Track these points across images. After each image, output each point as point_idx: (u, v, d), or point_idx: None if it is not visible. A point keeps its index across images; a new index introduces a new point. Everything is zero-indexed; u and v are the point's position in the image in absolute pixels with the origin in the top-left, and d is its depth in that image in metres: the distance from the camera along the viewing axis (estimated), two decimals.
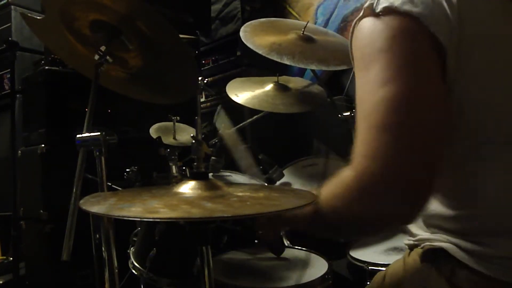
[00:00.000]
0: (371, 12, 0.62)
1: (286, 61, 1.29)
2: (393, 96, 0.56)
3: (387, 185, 0.55)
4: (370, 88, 0.59)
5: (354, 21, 0.66)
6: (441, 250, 0.64)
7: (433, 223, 0.68)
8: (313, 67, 1.40)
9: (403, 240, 1.29)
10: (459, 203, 0.63)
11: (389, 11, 0.59)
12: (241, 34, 1.39)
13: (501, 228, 0.60)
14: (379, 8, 0.60)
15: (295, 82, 1.69)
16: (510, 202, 0.60)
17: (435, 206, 0.66)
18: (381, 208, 0.56)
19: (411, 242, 0.74)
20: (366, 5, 0.63)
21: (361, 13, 0.64)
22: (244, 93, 1.57)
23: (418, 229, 0.73)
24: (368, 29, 0.62)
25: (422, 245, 0.70)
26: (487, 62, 0.61)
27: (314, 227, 0.71)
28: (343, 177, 0.61)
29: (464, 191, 0.63)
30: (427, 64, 0.58)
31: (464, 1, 0.60)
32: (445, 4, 0.59)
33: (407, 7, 0.58)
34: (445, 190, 0.64)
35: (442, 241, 0.65)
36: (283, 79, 1.64)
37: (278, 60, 1.28)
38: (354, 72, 0.87)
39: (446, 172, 0.61)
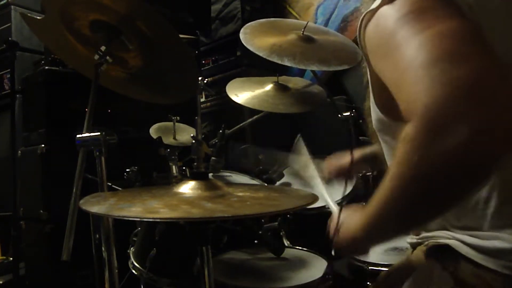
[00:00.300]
0: (388, 0, 0.60)
1: (287, 63, 1.29)
2: (446, 30, 0.51)
3: (457, 119, 0.45)
4: (410, 36, 0.53)
5: (365, 13, 0.64)
6: (446, 246, 0.64)
7: (436, 221, 0.68)
8: (314, 68, 1.40)
9: (403, 240, 1.30)
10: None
11: None
12: (241, 36, 1.39)
13: (508, 222, 0.60)
14: None
15: (295, 82, 1.69)
16: None
17: None
18: (460, 142, 0.45)
19: (414, 240, 0.73)
20: None
21: (377, 4, 0.62)
22: (244, 93, 1.57)
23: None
24: (386, 12, 0.59)
25: (426, 242, 0.70)
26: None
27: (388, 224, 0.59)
28: (402, 137, 0.50)
29: None
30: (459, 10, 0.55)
31: None
32: None
33: None
34: None
35: (446, 237, 0.65)
36: (283, 79, 1.64)
37: (279, 62, 1.28)
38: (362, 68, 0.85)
39: None
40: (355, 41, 2.19)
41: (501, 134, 0.46)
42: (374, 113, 0.72)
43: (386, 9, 0.60)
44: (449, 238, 0.64)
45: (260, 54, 1.29)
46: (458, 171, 0.47)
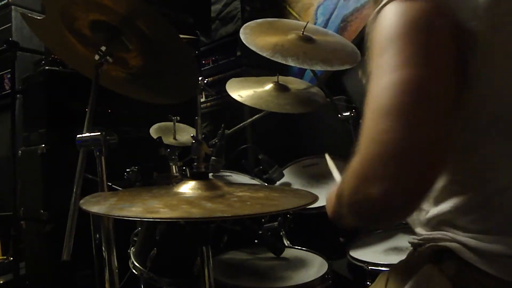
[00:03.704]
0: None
1: (291, 63, 1.29)
2: (402, 81, 0.54)
3: (393, 165, 0.52)
4: (380, 73, 0.58)
5: (378, 8, 0.64)
6: (447, 250, 0.63)
7: (439, 222, 0.67)
8: (318, 68, 1.40)
9: (403, 240, 1.30)
10: (469, 194, 0.62)
11: None
12: (242, 36, 1.39)
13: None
14: None
15: (293, 83, 1.69)
16: None
17: (445, 204, 0.64)
18: (378, 194, 0.53)
19: (416, 241, 0.72)
20: None
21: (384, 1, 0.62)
22: (246, 93, 1.57)
23: (422, 230, 0.72)
24: (388, 14, 0.60)
25: (427, 245, 0.68)
26: None
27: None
28: (351, 161, 0.59)
29: (475, 181, 0.62)
30: (442, 54, 0.57)
31: None
32: None
33: None
34: (454, 182, 0.63)
35: (448, 240, 0.63)
36: (282, 79, 1.64)
37: (283, 62, 1.28)
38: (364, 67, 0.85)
39: (455, 164, 0.61)
40: (354, 41, 2.20)
41: (412, 198, 0.54)
42: None
43: (389, 7, 0.61)
44: (451, 241, 0.63)
45: (264, 54, 1.29)
46: (376, 209, 0.56)
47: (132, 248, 1.28)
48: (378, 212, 0.57)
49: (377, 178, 0.53)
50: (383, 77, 0.57)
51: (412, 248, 0.74)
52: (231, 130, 1.73)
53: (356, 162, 0.57)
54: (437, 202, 0.66)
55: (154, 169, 1.48)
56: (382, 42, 0.60)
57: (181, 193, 0.75)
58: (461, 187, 0.63)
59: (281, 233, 1.38)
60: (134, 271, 1.20)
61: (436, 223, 0.68)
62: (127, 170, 1.43)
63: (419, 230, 0.73)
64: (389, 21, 0.60)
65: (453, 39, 0.57)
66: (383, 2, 0.62)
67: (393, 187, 0.53)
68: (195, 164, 0.84)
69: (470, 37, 0.58)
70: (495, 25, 0.58)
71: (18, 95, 2.07)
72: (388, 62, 0.57)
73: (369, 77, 0.61)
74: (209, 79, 1.92)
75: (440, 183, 0.64)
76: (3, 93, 2.32)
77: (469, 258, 0.59)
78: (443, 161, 0.56)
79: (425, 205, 0.69)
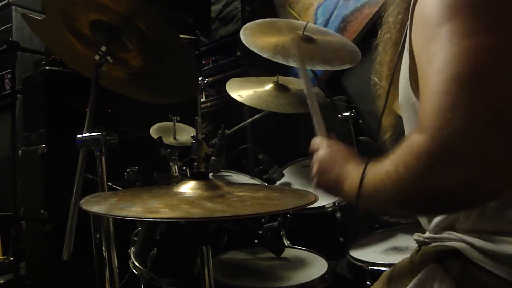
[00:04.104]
0: None
1: (292, 63, 1.29)
2: (482, 46, 0.47)
3: (472, 148, 0.44)
4: (448, 39, 0.49)
5: None
6: (452, 251, 0.61)
7: (446, 225, 0.65)
8: (319, 68, 1.40)
9: (404, 240, 1.30)
10: None
11: None
12: (242, 37, 1.39)
13: None
14: None
15: (293, 83, 1.69)
16: None
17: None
18: (462, 179, 0.45)
19: (421, 238, 0.70)
20: None
21: None
22: (245, 93, 1.57)
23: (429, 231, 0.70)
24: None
25: (433, 244, 0.67)
26: None
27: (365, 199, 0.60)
28: (411, 142, 0.49)
29: None
30: None
31: None
32: None
33: None
34: None
35: (454, 240, 0.61)
36: (282, 79, 1.64)
37: (284, 62, 1.28)
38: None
39: None
40: (354, 41, 2.19)
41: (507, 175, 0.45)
42: (405, 89, 0.66)
43: None
44: (458, 241, 0.61)
45: (265, 56, 1.29)
46: (448, 202, 0.49)
47: (132, 248, 1.28)
48: (460, 200, 0.48)
49: (465, 157, 0.44)
50: (456, 43, 0.49)
51: (417, 245, 0.73)
52: (231, 130, 1.73)
53: (421, 141, 0.47)
54: None
55: (154, 169, 1.48)
56: (444, 9, 0.52)
57: (181, 193, 0.75)
58: None
59: (281, 233, 1.38)
60: (134, 271, 1.20)
61: (443, 227, 0.66)
62: (127, 170, 1.43)
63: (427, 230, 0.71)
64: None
65: None
66: None
67: (486, 170, 0.44)
68: (195, 164, 0.85)
69: None
70: None
71: (18, 95, 2.08)
72: (456, 29, 0.49)
73: (424, 49, 0.54)
74: (209, 79, 1.92)
75: None
76: (3, 93, 2.32)
77: (476, 258, 0.58)
78: None
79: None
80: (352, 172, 0.65)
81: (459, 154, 0.44)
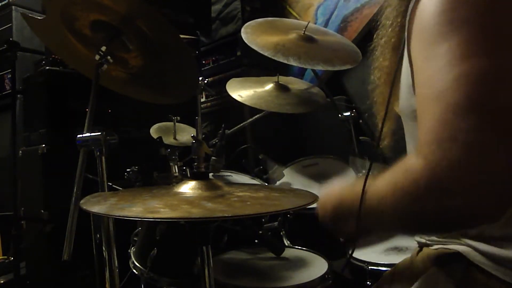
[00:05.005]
0: None
1: (293, 62, 1.29)
2: (478, 71, 0.47)
3: (470, 177, 0.44)
4: (446, 63, 0.49)
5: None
6: (455, 254, 0.60)
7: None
8: (320, 68, 1.40)
9: (404, 240, 1.29)
10: None
11: None
12: (243, 36, 1.38)
13: None
14: None
15: (293, 83, 1.69)
16: None
17: None
18: (460, 206, 0.46)
19: (423, 240, 0.70)
20: None
21: None
22: (246, 93, 1.57)
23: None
24: (433, 13, 0.53)
25: (435, 246, 0.66)
26: None
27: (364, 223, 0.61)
28: (409, 166, 0.50)
29: None
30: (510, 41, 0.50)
31: None
32: None
33: None
34: None
35: (457, 243, 0.61)
36: (282, 79, 1.64)
37: (285, 61, 1.28)
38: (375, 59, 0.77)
39: None
40: (355, 41, 2.19)
41: (496, 198, 0.46)
42: (406, 95, 0.65)
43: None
44: (461, 244, 0.60)
45: (265, 54, 1.29)
46: (442, 225, 0.50)
47: (132, 248, 1.28)
48: (456, 223, 0.49)
49: (462, 186, 0.45)
50: (452, 67, 0.49)
51: (418, 247, 0.72)
52: (231, 130, 1.73)
53: (420, 166, 0.48)
54: None
55: (154, 169, 1.48)
56: (440, 26, 0.52)
57: (181, 193, 0.75)
58: None
59: (281, 233, 1.38)
60: (134, 271, 1.20)
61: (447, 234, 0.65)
62: (127, 170, 1.43)
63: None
64: (443, 2, 0.52)
65: None
66: None
67: (483, 197, 0.45)
68: (195, 164, 0.85)
69: None
70: None
71: (18, 95, 2.08)
72: (456, 50, 0.49)
73: (420, 66, 0.53)
74: (209, 79, 1.93)
75: None
76: (3, 93, 2.33)
77: (479, 261, 0.57)
78: None
79: None
80: (348, 192, 0.66)
81: (457, 183, 0.46)
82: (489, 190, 0.45)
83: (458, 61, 0.49)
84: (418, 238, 0.72)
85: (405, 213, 0.53)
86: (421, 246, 0.71)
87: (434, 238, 0.68)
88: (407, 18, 0.61)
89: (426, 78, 0.52)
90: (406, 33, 0.61)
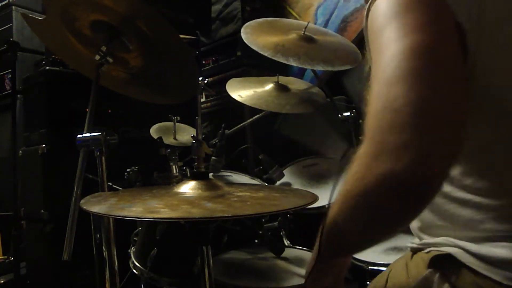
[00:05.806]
0: None
1: (293, 63, 1.29)
2: (410, 47, 0.49)
3: (413, 131, 0.45)
4: (384, 47, 0.52)
5: (368, 3, 0.61)
6: (447, 256, 0.61)
7: (440, 232, 0.66)
8: (320, 68, 1.40)
9: (404, 240, 1.29)
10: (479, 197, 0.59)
11: None
12: (243, 36, 1.38)
13: None
14: None
15: (293, 83, 1.69)
16: None
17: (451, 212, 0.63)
18: (410, 162, 0.45)
19: (415, 245, 0.71)
20: None
21: None
22: (245, 93, 1.57)
23: (423, 235, 0.71)
24: (381, 2, 0.57)
25: (428, 249, 0.67)
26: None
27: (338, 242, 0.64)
28: (357, 155, 0.51)
29: (484, 182, 0.59)
30: (448, 20, 0.53)
31: None
32: None
33: None
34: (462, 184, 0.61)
35: (448, 245, 0.62)
36: (282, 79, 1.64)
37: (284, 61, 1.28)
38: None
39: (464, 165, 0.59)
40: (354, 41, 2.19)
41: (440, 163, 0.46)
42: None
43: (379, 2, 0.58)
44: (451, 246, 0.61)
45: (265, 54, 1.29)
46: (395, 196, 0.48)
47: (132, 248, 1.28)
48: (402, 195, 0.47)
49: (396, 149, 0.45)
50: (388, 49, 0.52)
51: (410, 251, 0.73)
52: (231, 130, 1.73)
53: (365, 144, 0.49)
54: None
55: (154, 169, 1.48)
56: (380, 23, 0.56)
57: (181, 193, 0.75)
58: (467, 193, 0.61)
59: (281, 233, 1.38)
60: (134, 271, 1.20)
61: (436, 233, 0.67)
62: (127, 170, 1.43)
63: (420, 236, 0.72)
64: (384, 4, 0.56)
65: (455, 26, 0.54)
66: None
67: (418, 156, 0.45)
68: (195, 164, 0.85)
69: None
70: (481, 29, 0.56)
71: (18, 95, 2.08)
72: (390, 35, 0.52)
73: (371, 69, 0.56)
74: (209, 79, 1.92)
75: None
76: (4, 93, 2.32)
77: (469, 262, 0.58)
78: (464, 123, 0.49)
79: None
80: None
81: (399, 142, 0.46)
82: (424, 151, 0.46)
83: (395, 41, 0.51)
84: (410, 244, 0.73)
85: (360, 195, 0.51)
86: (414, 251, 0.72)
87: (426, 242, 0.68)
88: (366, 18, 0.63)
89: (375, 63, 0.54)
90: (365, 32, 0.64)
